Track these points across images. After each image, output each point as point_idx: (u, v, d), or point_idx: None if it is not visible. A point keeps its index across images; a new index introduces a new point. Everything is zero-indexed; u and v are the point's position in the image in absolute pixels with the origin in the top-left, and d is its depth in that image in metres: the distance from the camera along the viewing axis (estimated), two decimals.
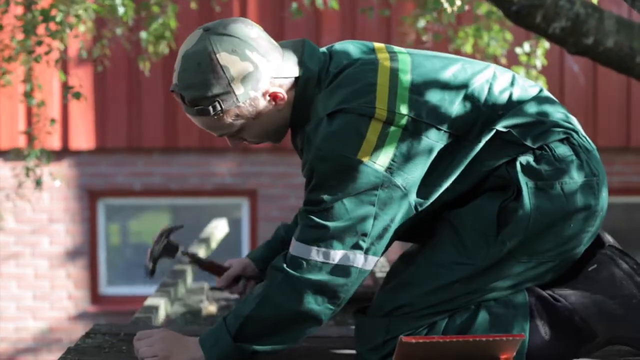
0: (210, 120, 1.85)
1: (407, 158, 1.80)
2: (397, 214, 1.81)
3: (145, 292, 6.45)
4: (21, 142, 6.69)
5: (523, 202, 1.81)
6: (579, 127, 1.93)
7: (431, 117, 1.82)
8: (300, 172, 1.90)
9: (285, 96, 1.87)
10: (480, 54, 4.93)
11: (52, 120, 4.29)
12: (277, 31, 6.80)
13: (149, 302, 2.98)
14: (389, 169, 1.79)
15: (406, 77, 1.85)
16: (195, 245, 4.26)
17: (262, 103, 1.86)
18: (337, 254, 1.79)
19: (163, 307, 2.99)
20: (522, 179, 1.82)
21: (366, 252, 1.80)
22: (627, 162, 6.91)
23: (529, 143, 1.85)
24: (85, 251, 6.96)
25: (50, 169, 5.55)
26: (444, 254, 1.86)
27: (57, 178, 4.72)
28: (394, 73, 1.85)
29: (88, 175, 6.92)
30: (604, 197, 1.89)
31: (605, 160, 1.96)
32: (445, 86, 1.86)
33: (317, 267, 1.79)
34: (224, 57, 1.82)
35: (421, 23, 4.88)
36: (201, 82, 1.82)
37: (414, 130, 1.81)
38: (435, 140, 1.82)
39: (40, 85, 4.30)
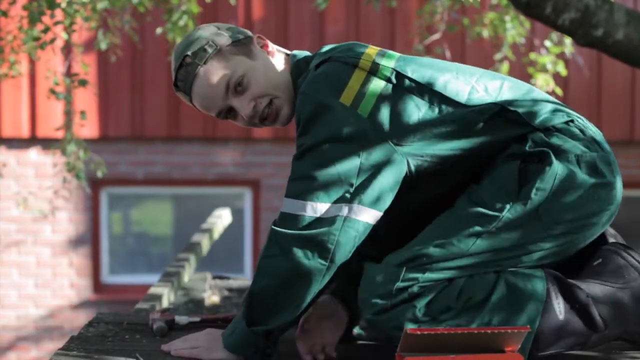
0: (216, 67, 1.91)
1: (389, 109, 1.81)
2: (384, 165, 1.79)
3: (146, 281, 6.45)
4: (24, 131, 6.69)
5: (550, 160, 1.79)
6: (579, 115, 1.94)
7: (417, 75, 1.86)
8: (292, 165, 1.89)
9: (275, 50, 1.99)
10: (499, 41, 4.93)
11: (83, 113, 4.27)
12: (281, 21, 6.78)
13: (152, 291, 2.98)
14: (371, 117, 1.80)
15: (395, 55, 1.92)
16: (198, 234, 4.25)
17: (253, 46, 1.96)
18: (323, 207, 1.78)
19: (166, 297, 2.99)
20: (541, 147, 1.82)
21: (351, 201, 1.78)
22: (630, 155, 6.90)
23: (534, 123, 1.85)
24: (88, 239, 6.96)
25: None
26: (464, 209, 1.82)
27: (100, 169, 4.68)
28: (382, 51, 1.92)
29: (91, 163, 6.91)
30: (620, 178, 1.88)
31: None
32: (432, 65, 1.91)
33: (303, 220, 1.78)
34: (201, 26, 2.00)
35: (438, 10, 4.87)
36: (192, 38, 1.95)
37: (397, 84, 1.84)
38: (420, 96, 1.83)
39: (67, 80, 4.28)
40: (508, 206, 1.79)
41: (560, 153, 1.82)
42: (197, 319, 2.14)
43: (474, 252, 1.79)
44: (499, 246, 1.80)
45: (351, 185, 1.78)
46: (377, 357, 1.95)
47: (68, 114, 4.32)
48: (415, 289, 1.77)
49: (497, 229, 1.79)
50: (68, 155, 4.33)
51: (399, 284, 1.78)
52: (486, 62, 5.14)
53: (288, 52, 2.03)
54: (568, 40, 4.87)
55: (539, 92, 1.96)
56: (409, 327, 1.73)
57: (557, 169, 1.79)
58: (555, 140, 1.84)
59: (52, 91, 4.17)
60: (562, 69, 4.85)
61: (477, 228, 1.79)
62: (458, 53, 6.45)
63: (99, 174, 4.63)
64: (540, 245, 1.82)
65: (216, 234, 4.51)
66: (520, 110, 1.86)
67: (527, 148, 1.83)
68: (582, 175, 1.81)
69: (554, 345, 1.81)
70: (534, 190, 1.78)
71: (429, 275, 1.79)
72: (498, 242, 1.79)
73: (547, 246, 1.83)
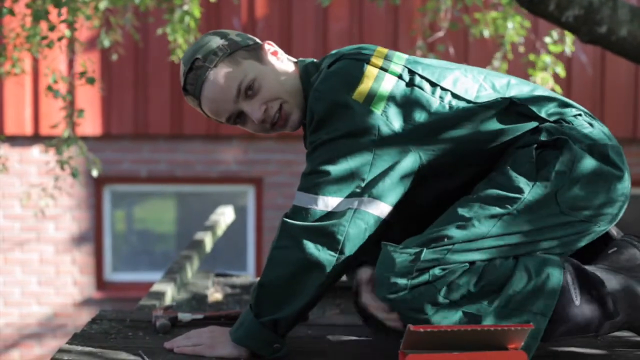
0: (227, 71, 1.91)
1: (401, 105, 1.83)
2: (396, 160, 1.81)
3: (149, 278, 6.46)
4: (27, 128, 6.70)
5: (568, 145, 1.81)
6: (586, 110, 1.96)
7: (427, 73, 1.88)
8: (306, 161, 1.91)
9: (284, 57, 1.99)
10: (499, 40, 4.92)
11: (81, 111, 4.27)
12: (284, 19, 6.78)
13: (155, 288, 2.98)
14: (384, 113, 1.81)
15: (403, 56, 1.94)
16: (201, 232, 4.25)
17: (263, 52, 1.97)
18: (334, 201, 1.79)
19: (169, 294, 2.99)
20: (556, 135, 1.83)
21: (362, 194, 1.80)
22: (634, 153, 6.89)
23: (544, 116, 1.87)
24: (91, 237, 6.97)
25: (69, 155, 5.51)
26: (484, 192, 1.82)
27: (96, 167, 4.67)
28: (391, 51, 1.94)
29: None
30: (629, 172, 1.89)
31: None
32: (440, 65, 1.94)
33: (313, 213, 1.80)
34: (210, 32, 1.99)
35: (441, 8, 4.87)
36: (202, 42, 1.95)
37: (408, 81, 1.86)
38: (431, 93, 1.85)
39: (64, 78, 4.29)
40: (528, 188, 1.79)
41: (574, 142, 1.83)
42: (200, 316, 2.15)
43: (494, 234, 1.78)
44: (519, 229, 1.79)
45: (363, 180, 1.80)
46: (380, 355, 1.95)
47: (68, 110, 4.32)
48: (436, 270, 1.75)
49: (517, 211, 1.79)
50: (61, 153, 4.33)
51: (420, 264, 1.75)
52: (489, 60, 5.14)
53: (295, 59, 2.05)
54: (569, 39, 4.86)
55: (544, 89, 1.98)
56: (428, 310, 1.74)
57: (575, 153, 1.81)
58: (567, 130, 1.85)
59: (50, 88, 4.17)
60: (560, 70, 4.83)
61: (498, 209, 1.79)
62: (461, 51, 6.45)
63: (94, 173, 4.63)
64: (557, 232, 1.82)
65: (219, 232, 4.51)
66: (529, 104, 1.88)
67: (541, 138, 1.85)
68: (598, 164, 1.82)
69: (568, 330, 1.81)
70: (553, 173, 1.80)
71: (450, 256, 1.77)
72: (518, 225, 1.79)
73: (564, 233, 1.83)
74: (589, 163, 1.82)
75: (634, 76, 6.89)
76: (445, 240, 1.77)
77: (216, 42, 1.94)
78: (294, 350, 1.95)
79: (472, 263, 1.78)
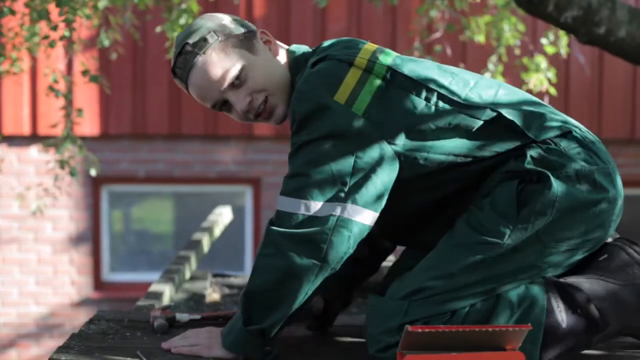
0: (215, 59, 1.88)
1: (384, 107, 1.79)
2: (378, 164, 1.77)
3: (147, 278, 6.45)
4: (25, 128, 6.69)
5: (549, 183, 1.77)
6: (577, 123, 1.92)
7: (414, 74, 1.84)
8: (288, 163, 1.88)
9: (277, 47, 1.96)
10: (495, 43, 4.92)
11: (80, 111, 4.27)
12: (282, 19, 6.78)
13: (153, 288, 2.98)
14: (366, 115, 1.78)
15: (392, 54, 1.90)
16: (199, 232, 4.25)
17: (256, 41, 1.94)
18: (316, 205, 1.76)
19: (167, 294, 2.99)
20: (539, 167, 1.80)
21: (345, 200, 1.76)
22: (631, 154, 6.89)
23: (531, 135, 1.83)
24: (89, 237, 6.96)
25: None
26: (465, 236, 1.81)
27: (94, 167, 4.66)
28: (380, 48, 1.90)
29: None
30: (620, 186, 1.87)
31: (609, 152, 1.94)
32: (428, 67, 1.89)
33: (296, 218, 1.78)
34: (206, 15, 1.97)
35: (433, 12, 4.87)
36: (195, 26, 1.94)
37: (393, 82, 1.82)
38: (417, 94, 1.81)
39: (65, 78, 4.28)
40: (508, 232, 1.78)
41: (559, 169, 1.80)
42: (197, 316, 2.14)
43: (476, 280, 1.79)
44: (501, 271, 1.80)
45: (345, 184, 1.77)
46: None
47: (66, 109, 4.32)
48: (419, 324, 1.77)
49: (498, 255, 1.79)
50: (61, 152, 4.32)
51: (404, 319, 1.79)
52: (486, 61, 5.14)
53: (288, 47, 2.01)
54: (564, 41, 4.85)
55: (535, 100, 1.94)
56: None
57: (557, 191, 1.77)
58: (554, 155, 1.81)
59: (51, 88, 4.17)
60: (552, 76, 4.82)
61: (479, 256, 1.79)
62: (458, 51, 6.45)
63: (92, 173, 4.62)
64: (543, 263, 1.82)
65: (217, 232, 4.51)
66: (517, 119, 1.83)
67: (525, 165, 1.81)
68: (582, 193, 1.80)
69: (558, 350, 1.82)
70: (533, 215, 1.77)
71: (433, 308, 1.79)
72: (500, 268, 1.80)
73: (550, 262, 1.83)
74: (573, 195, 1.79)
75: (632, 77, 6.90)
76: (427, 291, 1.79)
77: (208, 27, 1.91)
78: (291, 350, 1.95)
79: (454, 312, 1.80)
